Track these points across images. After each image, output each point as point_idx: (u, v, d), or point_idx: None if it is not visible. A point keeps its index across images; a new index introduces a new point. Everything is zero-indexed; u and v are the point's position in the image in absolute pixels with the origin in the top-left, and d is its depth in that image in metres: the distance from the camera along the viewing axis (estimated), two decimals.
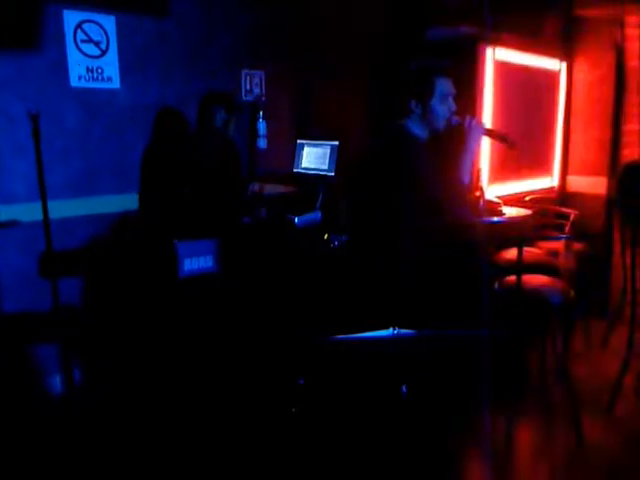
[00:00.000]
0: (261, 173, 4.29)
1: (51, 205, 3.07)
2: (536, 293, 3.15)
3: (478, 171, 3.90)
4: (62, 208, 3.41)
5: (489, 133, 2.71)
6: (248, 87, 4.38)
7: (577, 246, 4.08)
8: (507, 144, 2.68)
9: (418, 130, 2.54)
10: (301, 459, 2.77)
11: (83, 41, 3.47)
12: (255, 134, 4.35)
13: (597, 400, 3.45)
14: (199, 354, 3.19)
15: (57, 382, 3.49)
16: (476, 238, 3.11)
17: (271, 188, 4.14)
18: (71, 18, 3.41)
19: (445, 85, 2.48)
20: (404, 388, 1.97)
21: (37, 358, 3.42)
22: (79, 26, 3.44)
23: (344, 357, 1.98)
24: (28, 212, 3.30)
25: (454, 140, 2.56)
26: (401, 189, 2.45)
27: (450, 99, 2.50)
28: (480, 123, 2.57)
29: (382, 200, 2.54)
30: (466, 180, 2.56)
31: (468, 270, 2.60)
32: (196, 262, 3.18)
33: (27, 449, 2.88)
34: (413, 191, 2.41)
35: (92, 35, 3.50)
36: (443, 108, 2.48)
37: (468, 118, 2.52)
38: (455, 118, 2.52)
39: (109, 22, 3.57)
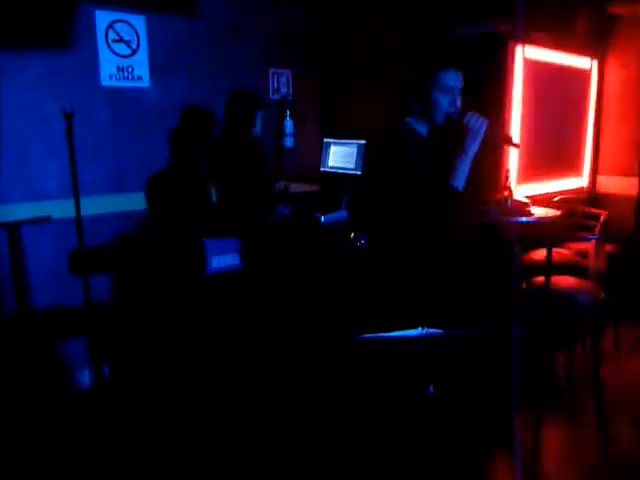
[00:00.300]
0: (288, 172, 4.30)
1: (82, 202, 3.12)
2: (565, 294, 3.12)
3: (507, 171, 3.87)
4: (92, 205, 3.46)
5: (497, 138, 2.49)
6: (275, 86, 4.40)
7: (607, 247, 4.01)
8: (513, 145, 2.61)
9: (419, 126, 2.43)
10: (326, 457, 2.77)
11: (114, 40, 3.52)
12: (282, 133, 4.37)
13: (627, 404, 3.39)
14: (226, 351, 3.21)
15: (86, 377, 3.55)
16: (501, 238, 3.09)
17: (298, 187, 4.15)
18: (103, 18, 3.46)
19: (450, 77, 2.32)
20: (432, 388, 1.96)
21: (67, 353, 3.47)
22: (110, 26, 3.49)
23: (372, 356, 1.98)
24: (59, 209, 3.36)
25: (455, 139, 2.35)
26: (400, 185, 2.34)
27: (455, 93, 2.33)
28: (483, 122, 2.27)
29: (389, 198, 2.43)
30: (459, 186, 2.29)
31: (497, 270, 2.57)
32: (223, 260, 3.20)
33: (55, 442, 2.93)
34: (408, 187, 2.31)
35: (123, 34, 3.55)
36: (444, 101, 2.32)
37: (469, 116, 2.28)
38: (455, 114, 2.32)
39: (140, 22, 3.61)
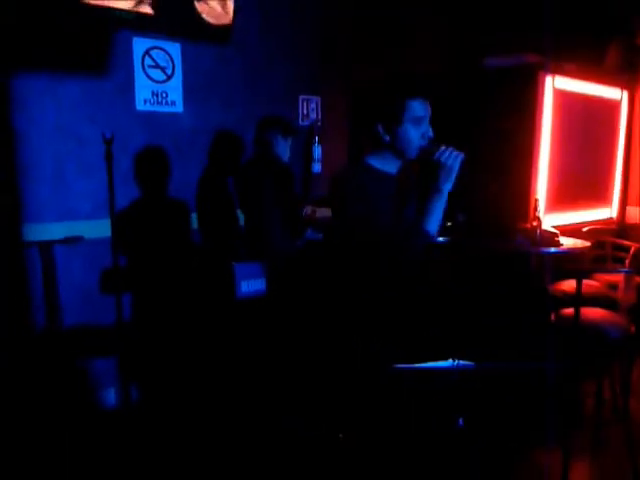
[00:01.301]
0: (315, 197, 4.34)
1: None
2: (595, 327, 3.08)
3: (535, 201, 3.85)
4: None
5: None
6: (305, 112, 4.46)
7: (638, 279, 3.96)
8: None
9: (384, 164, 2.14)
10: None
11: (150, 66, 3.61)
12: (310, 158, 4.42)
13: None
14: (253, 376, 3.22)
15: (112, 396, 3.57)
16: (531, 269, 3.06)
17: (325, 211, 4.18)
18: (140, 44, 3.56)
19: (419, 107, 2.04)
20: (461, 421, 1.94)
21: (95, 372, 3.51)
22: (147, 52, 3.58)
23: (402, 387, 1.98)
24: (92, 229, 3.42)
25: (427, 176, 2.07)
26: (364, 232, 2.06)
27: (425, 123, 2.07)
28: (458, 156, 2.00)
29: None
30: (432, 230, 2.06)
31: (526, 303, 2.55)
32: (253, 284, 3.23)
33: (79, 460, 2.95)
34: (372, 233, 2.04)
35: (159, 61, 3.64)
36: (416, 134, 2.05)
37: (442, 149, 2.01)
38: (427, 146, 2.06)
39: (175, 49, 3.70)
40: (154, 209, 3.72)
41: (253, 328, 3.22)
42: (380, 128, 2.08)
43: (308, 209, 4.10)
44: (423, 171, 2.09)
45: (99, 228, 3.38)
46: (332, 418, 3.03)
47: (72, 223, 3.40)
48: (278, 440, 3.08)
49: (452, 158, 1.99)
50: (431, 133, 2.08)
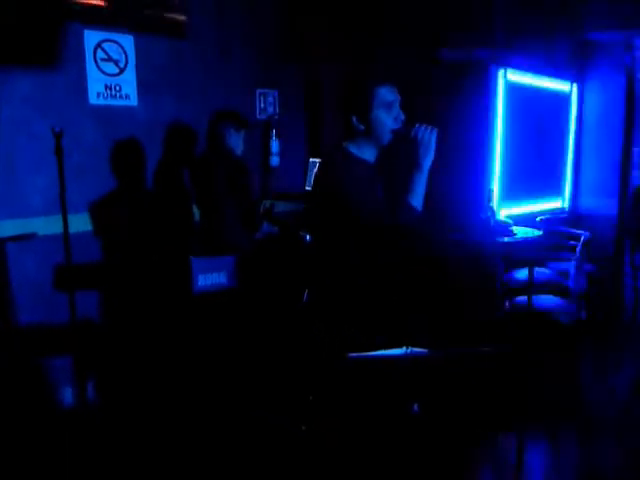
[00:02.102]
0: (274, 191, 4.34)
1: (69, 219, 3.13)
2: (546, 313, 3.17)
3: (489, 191, 3.93)
4: (78, 222, 3.45)
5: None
6: (262, 106, 4.45)
7: (587, 267, 4.09)
8: None
9: (363, 151, 2.19)
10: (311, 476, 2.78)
11: (103, 59, 3.55)
12: (268, 152, 4.42)
13: (607, 419, 3.44)
14: (211, 368, 3.21)
15: (69, 395, 3.52)
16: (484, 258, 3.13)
17: (283, 205, 4.19)
18: (92, 37, 3.50)
19: (387, 92, 2.12)
20: (416, 407, 1.98)
21: (50, 370, 3.45)
22: (99, 45, 3.53)
23: (357, 375, 2.00)
24: (45, 226, 3.35)
25: (406, 157, 2.14)
26: (347, 222, 2.10)
27: (396, 107, 2.14)
28: (433, 131, 2.11)
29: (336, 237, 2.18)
30: (417, 205, 2.14)
31: (479, 290, 2.61)
32: (210, 278, 3.22)
33: (34, 461, 2.90)
34: (357, 221, 2.07)
35: (112, 54, 3.58)
36: (388, 117, 2.12)
37: (417, 126, 2.11)
38: (402, 128, 2.13)
39: (128, 42, 3.65)
40: (112, 203, 3.66)
41: (212, 321, 3.21)
42: (354, 119, 2.14)
43: (267, 203, 4.11)
44: (400, 154, 2.15)
45: (52, 225, 3.31)
46: (294, 409, 3.06)
47: (24, 220, 3.33)
48: (241, 432, 3.09)
49: (427, 134, 2.09)
50: (402, 116, 2.15)
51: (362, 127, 2.14)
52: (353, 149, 2.19)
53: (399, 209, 2.12)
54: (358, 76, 2.25)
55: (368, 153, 2.20)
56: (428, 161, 2.12)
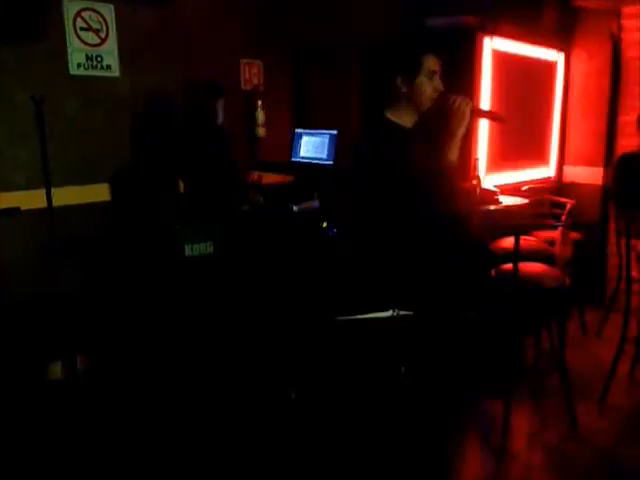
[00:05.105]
0: (260, 162, 4.31)
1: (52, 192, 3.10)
2: (532, 280, 3.19)
3: (475, 160, 3.93)
4: (62, 196, 3.42)
5: (479, 114, 2.55)
6: (247, 76, 4.40)
7: (573, 235, 4.12)
8: (500, 121, 2.62)
9: (403, 117, 2.30)
10: (300, 443, 2.81)
11: (83, 29, 3.48)
12: (254, 123, 4.38)
13: (591, 386, 3.50)
14: (199, 338, 3.22)
15: (58, 368, 3.52)
16: (472, 226, 3.14)
17: (270, 177, 4.17)
18: (71, 6, 3.42)
19: (433, 62, 2.23)
20: (403, 369, 2.00)
21: (40, 343, 3.44)
22: (79, 14, 3.45)
23: (343, 339, 2.02)
24: (29, 199, 3.32)
25: (441, 124, 2.26)
26: (391, 184, 2.19)
27: (437, 77, 2.26)
28: (468, 104, 2.23)
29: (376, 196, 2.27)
30: (453, 159, 2.26)
31: (466, 257, 2.61)
32: (197, 247, 3.21)
33: (23, 434, 2.92)
34: (403, 183, 2.16)
35: (92, 23, 3.51)
36: (429, 86, 2.23)
37: (452, 98, 2.23)
38: (439, 98, 2.25)
39: (108, 10, 3.57)
40: (95, 175, 3.62)
41: (200, 290, 3.21)
42: (399, 80, 2.25)
43: (254, 174, 4.09)
44: (440, 120, 2.27)
45: (36, 199, 3.28)
46: (283, 376, 3.08)
47: (7, 194, 3.29)
48: (230, 400, 3.11)
49: (463, 105, 2.21)
50: (441, 87, 2.26)
51: (405, 90, 2.24)
52: (392, 115, 2.30)
53: (434, 162, 2.24)
54: (409, 40, 2.37)
55: (405, 118, 2.30)
56: (462, 130, 2.23)
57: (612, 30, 4.97)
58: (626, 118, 4.98)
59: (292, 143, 4.27)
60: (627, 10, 4.85)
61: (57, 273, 3.20)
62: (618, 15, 4.92)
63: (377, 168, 2.23)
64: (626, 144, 4.92)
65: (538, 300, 3.35)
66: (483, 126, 4.36)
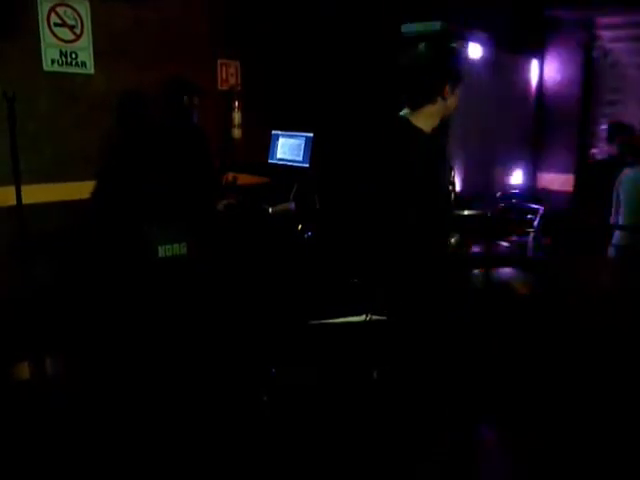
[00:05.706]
0: (235, 163, 4.29)
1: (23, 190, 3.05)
2: (504, 285, 3.23)
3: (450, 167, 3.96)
4: (33, 193, 3.36)
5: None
6: (224, 76, 4.38)
7: (545, 241, 4.17)
8: None
9: (419, 121, 2.16)
10: (273, 444, 2.80)
11: (57, 25, 3.43)
12: (230, 124, 4.36)
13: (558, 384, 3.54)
14: (171, 338, 3.20)
15: (25, 369, 3.46)
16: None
17: (245, 178, 4.15)
18: (45, 1, 3.37)
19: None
20: (375, 374, 2.01)
21: (6, 343, 3.37)
22: (53, 9, 3.40)
23: (316, 342, 2.02)
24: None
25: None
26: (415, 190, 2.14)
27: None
28: None
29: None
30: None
31: (439, 262, 2.62)
32: (170, 248, 3.18)
33: None
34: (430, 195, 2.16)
35: (66, 19, 3.46)
36: (458, 97, 2.20)
37: None
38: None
39: (83, 7, 3.53)
40: (68, 173, 3.57)
41: (171, 288, 3.19)
42: (449, 86, 2.14)
43: (229, 175, 4.08)
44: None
45: (6, 196, 3.22)
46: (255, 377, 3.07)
47: None
48: (204, 402, 3.09)
49: None
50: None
51: (446, 97, 2.14)
52: (414, 119, 2.16)
53: None
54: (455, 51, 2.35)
55: (424, 122, 2.16)
56: None
57: (585, 40, 5.06)
58: (598, 126, 5.08)
59: (269, 145, 4.26)
60: (600, 20, 4.94)
61: (26, 272, 3.14)
62: (591, 25, 5.01)
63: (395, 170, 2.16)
64: (597, 152, 5.02)
65: (510, 305, 3.39)
66: (458, 132, 4.40)
